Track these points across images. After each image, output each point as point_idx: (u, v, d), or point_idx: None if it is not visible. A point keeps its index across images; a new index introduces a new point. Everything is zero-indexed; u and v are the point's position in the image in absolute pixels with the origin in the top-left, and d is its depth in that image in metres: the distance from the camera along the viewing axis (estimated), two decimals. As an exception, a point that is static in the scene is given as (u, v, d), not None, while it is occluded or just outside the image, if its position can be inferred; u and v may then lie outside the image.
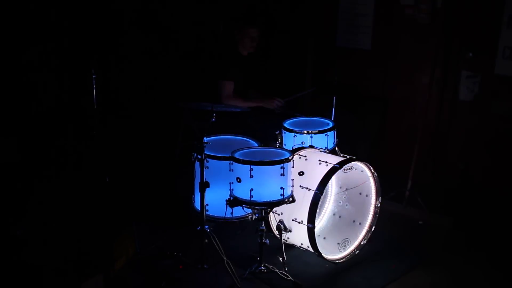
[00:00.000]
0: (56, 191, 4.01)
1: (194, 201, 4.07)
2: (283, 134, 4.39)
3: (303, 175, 3.83)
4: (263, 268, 3.75)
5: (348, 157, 3.98)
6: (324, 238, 4.13)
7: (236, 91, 4.87)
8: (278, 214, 3.92)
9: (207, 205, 3.80)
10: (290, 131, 4.32)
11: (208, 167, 3.83)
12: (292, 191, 3.64)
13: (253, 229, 3.83)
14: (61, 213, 3.86)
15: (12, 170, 3.84)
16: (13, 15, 3.91)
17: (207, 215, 3.83)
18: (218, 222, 3.97)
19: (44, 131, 4.12)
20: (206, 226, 3.78)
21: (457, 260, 4.07)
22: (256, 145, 4.17)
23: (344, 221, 4.23)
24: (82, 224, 3.83)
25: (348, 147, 4.71)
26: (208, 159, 3.84)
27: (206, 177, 3.72)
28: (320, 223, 4.29)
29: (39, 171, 4.03)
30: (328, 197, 4.34)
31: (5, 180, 3.80)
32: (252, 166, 3.46)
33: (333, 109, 4.88)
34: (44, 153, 4.09)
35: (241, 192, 3.54)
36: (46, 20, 4.08)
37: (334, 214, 4.31)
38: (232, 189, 3.60)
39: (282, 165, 3.50)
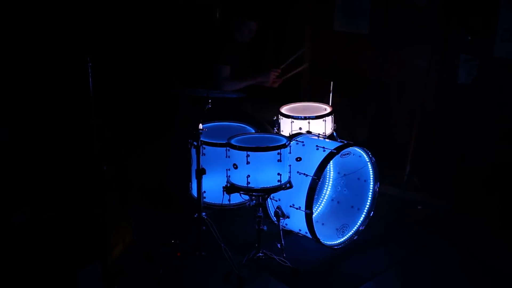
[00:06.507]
0: (53, 179, 3.99)
1: (191, 189, 4.05)
2: (280, 120, 4.36)
3: (301, 161, 3.80)
4: (261, 254, 3.74)
5: (345, 142, 3.96)
6: (322, 224, 4.12)
7: (232, 76, 4.83)
8: (276, 200, 3.90)
9: (204, 192, 3.78)
10: (287, 116, 4.29)
11: (204, 154, 3.80)
12: (290, 177, 3.61)
13: (250, 216, 3.81)
14: (58, 201, 3.85)
15: (7, 157, 3.81)
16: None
17: (204, 202, 3.81)
18: (215, 209, 3.96)
19: (40, 119, 4.09)
20: (203, 213, 3.76)
21: (456, 244, 4.06)
22: (253, 131, 4.14)
23: (342, 206, 4.22)
24: (79, 211, 3.81)
25: (346, 132, 4.69)
26: (204, 146, 3.81)
27: (203, 164, 3.69)
28: (318, 209, 4.28)
29: (35, 157, 4.01)
30: (326, 183, 4.32)
31: (1, 167, 3.78)
32: (248, 152, 3.43)
33: (331, 94, 4.85)
34: (42, 140, 4.07)
35: (238, 178, 3.51)
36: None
37: (332, 200, 4.30)
38: (229, 176, 3.58)
39: (279, 151, 3.47)
